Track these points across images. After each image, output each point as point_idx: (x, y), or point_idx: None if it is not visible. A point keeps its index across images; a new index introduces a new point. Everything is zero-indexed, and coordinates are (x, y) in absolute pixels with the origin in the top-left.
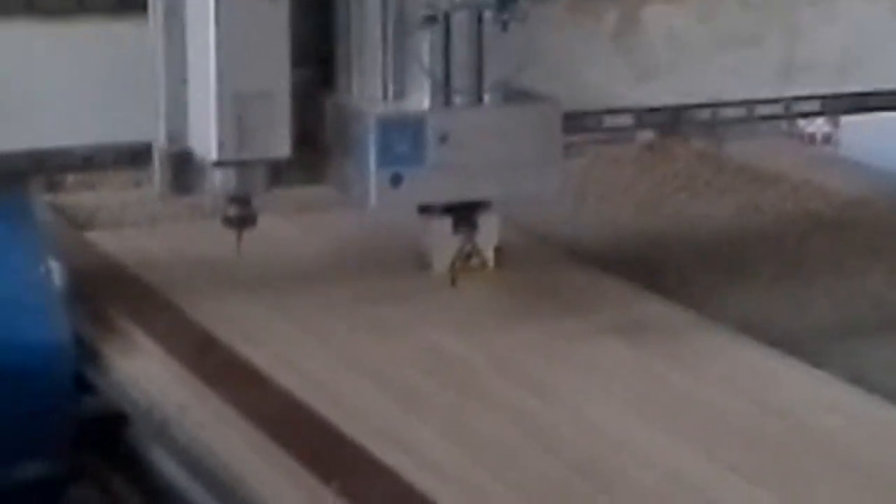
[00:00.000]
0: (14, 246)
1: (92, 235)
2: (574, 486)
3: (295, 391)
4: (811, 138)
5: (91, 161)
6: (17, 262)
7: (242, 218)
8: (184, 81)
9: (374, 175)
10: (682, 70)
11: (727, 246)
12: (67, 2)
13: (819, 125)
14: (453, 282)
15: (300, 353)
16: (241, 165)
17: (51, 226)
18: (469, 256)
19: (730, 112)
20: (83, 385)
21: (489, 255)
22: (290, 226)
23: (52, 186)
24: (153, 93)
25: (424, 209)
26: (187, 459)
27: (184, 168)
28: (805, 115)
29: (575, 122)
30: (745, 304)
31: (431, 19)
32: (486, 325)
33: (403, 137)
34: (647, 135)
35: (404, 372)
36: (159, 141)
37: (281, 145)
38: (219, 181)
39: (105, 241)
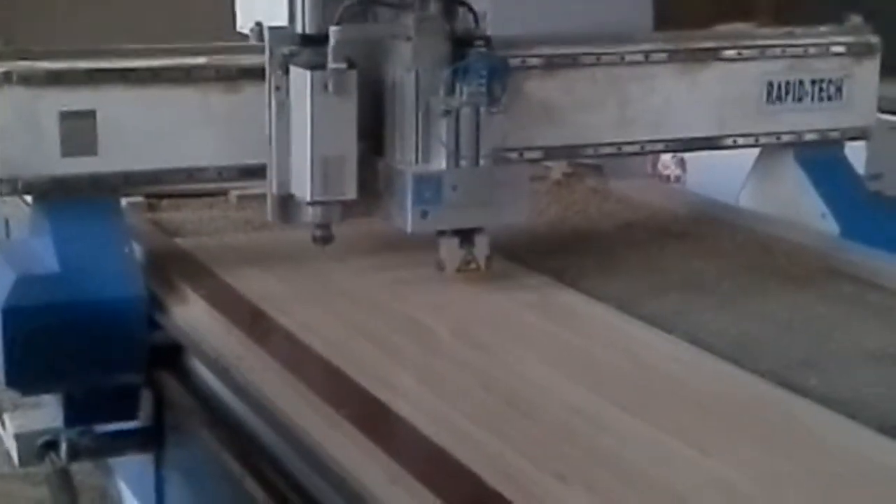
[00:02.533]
0: (110, 234)
1: (177, 240)
2: (500, 408)
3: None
4: (668, 179)
5: (221, 175)
6: (112, 244)
7: (325, 237)
8: (288, 150)
9: (410, 211)
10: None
11: (613, 250)
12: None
13: (672, 170)
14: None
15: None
16: (325, 204)
17: (138, 228)
18: (469, 263)
19: (588, 150)
20: (153, 323)
21: (482, 263)
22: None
23: (152, 207)
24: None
25: (441, 233)
26: (217, 370)
27: (287, 205)
28: (631, 154)
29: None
30: (614, 285)
31: (447, 112)
32: (460, 298)
33: (429, 187)
34: (556, 174)
35: (423, 319)
36: (272, 188)
37: (350, 191)
38: (311, 214)
39: (184, 242)
